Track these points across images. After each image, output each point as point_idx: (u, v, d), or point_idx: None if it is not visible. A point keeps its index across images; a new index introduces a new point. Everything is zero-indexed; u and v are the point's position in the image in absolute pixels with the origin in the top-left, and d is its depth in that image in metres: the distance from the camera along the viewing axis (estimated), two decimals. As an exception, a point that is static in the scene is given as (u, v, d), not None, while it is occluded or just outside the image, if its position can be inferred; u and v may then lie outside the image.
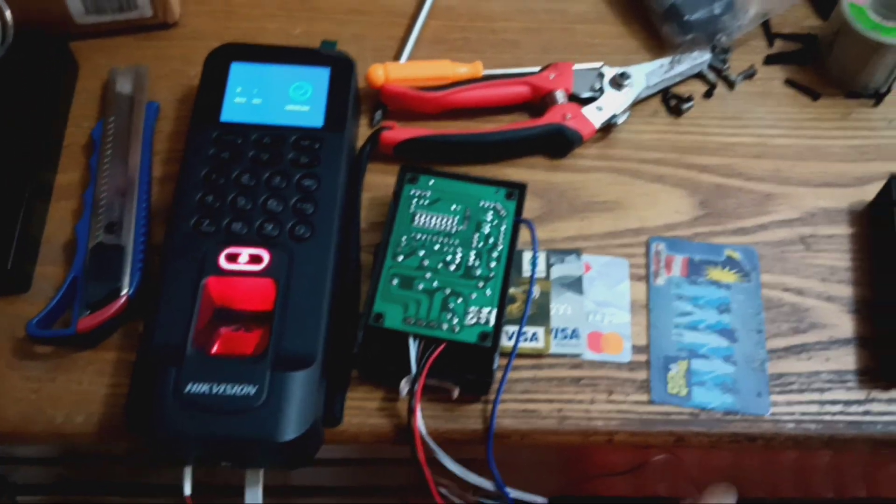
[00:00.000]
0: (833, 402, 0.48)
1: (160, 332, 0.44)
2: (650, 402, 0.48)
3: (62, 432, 0.46)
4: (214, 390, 0.42)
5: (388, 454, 0.54)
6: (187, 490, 0.43)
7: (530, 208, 0.53)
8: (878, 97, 0.59)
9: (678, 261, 0.52)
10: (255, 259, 0.45)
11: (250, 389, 0.42)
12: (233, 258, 0.46)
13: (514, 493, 0.45)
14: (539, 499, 0.45)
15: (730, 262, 0.52)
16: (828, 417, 0.48)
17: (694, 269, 0.52)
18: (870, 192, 0.55)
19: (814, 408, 0.48)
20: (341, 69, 0.53)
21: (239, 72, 0.52)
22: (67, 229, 0.51)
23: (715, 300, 0.51)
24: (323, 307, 0.45)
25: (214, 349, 0.45)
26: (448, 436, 0.47)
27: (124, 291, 0.47)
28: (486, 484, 0.44)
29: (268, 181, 0.48)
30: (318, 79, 0.52)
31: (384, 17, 0.61)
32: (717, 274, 0.52)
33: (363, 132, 0.56)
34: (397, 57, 0.59)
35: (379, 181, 0.54)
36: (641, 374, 0.49)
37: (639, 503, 0.72)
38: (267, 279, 0.45)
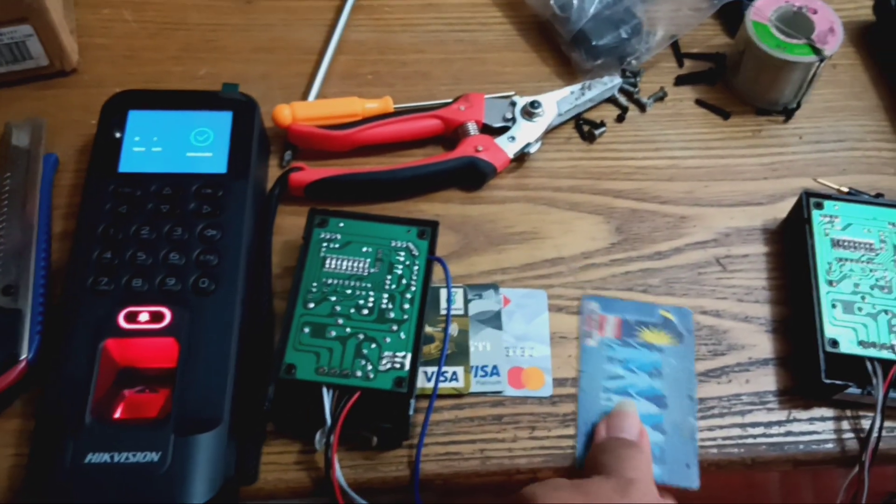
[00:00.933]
0: (754, 425, 0.48)
1: (57, 400, 0.42)
2: (574, 436, 0.47)
3: (-36, 508, 0.44)
4: (116, 459, 0.40)
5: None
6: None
7: (446, 243, 0.53)
8: (787, 113, 0.59)
9: (611, 321, 0.50)
10: (155, 317, 0.44)
11: (153, 456, 0.40)
12: (132, 317, 0.44)
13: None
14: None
15: (663, 324, 0.51)
16: (750, 441, 0.48)
17: (627, 330, 0.50)
18: (783, 209, 0.55)
19: (735, 431, 0.48)
20: (244, 112, 0.52)
21: (137, 120, 0.51)
22: (-37, 293, 0.49)
23: (647, 364, 0.49)
24: (229, 364, 0.43)
25: (117, 414, 0.43)
26: (370, 485, 0.45)
27: (23, 357, 0.45)
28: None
29: (168, 233, 0.47)
30: (219, 123, 0.51)
31: (292, 54, 0.60)
32: (650, 336, 0.50)
33: (273, 174, 0.55)
34: (306, 94, 0.58)
35: (291, 224, 0.53)
36: (563, 408, 0.48)
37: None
38: (168, 338, 0.43)
